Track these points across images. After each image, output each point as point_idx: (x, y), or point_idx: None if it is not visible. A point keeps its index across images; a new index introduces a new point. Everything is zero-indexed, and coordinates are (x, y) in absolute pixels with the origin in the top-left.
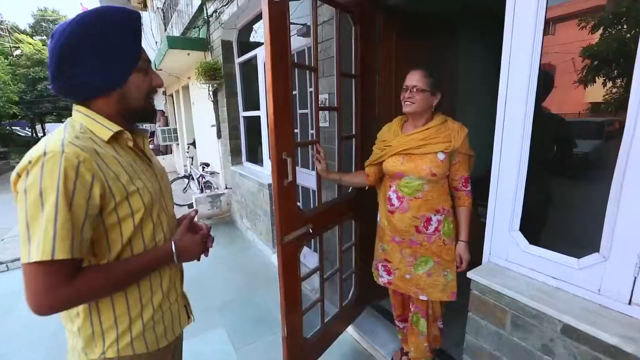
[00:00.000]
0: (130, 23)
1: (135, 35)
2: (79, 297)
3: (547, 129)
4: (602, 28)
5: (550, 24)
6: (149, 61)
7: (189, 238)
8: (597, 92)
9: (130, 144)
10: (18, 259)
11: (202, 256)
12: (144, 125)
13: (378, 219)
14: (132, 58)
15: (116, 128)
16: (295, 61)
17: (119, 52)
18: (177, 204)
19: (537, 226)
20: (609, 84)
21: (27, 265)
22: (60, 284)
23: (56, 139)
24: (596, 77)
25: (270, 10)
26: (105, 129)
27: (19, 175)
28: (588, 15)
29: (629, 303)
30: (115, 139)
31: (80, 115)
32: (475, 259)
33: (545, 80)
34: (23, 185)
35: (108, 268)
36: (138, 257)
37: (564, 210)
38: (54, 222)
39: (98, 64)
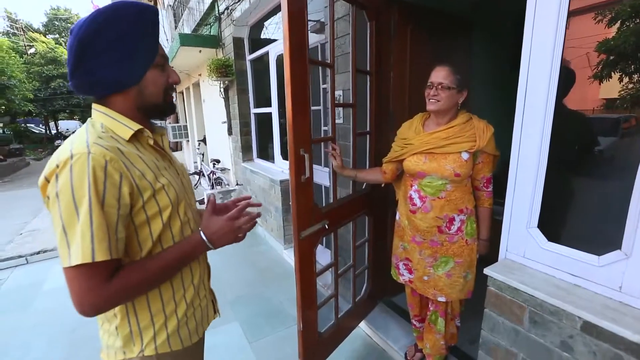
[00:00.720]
0: (147, 18)
1: (153, 30)
2: (121, 296)
3: (567, 125)
4: (619, 21)
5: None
6: (166, 57)
7: (216, 221)
8: (612, 87)
9: (151, 142)
10: (37, 252)
11: (214, 250)
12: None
13: (397, 217)
14: (149, 53)
15: (136, 127)
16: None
17: (136, 47)
18: None
19: (555, 223)
20: (625, 79)
21: (69, 269)
22: (102, 284)
23: (80, 140)
24: (612, 72)
25: (289, 6)
26: (126, 127)
27: (47, 180)
28: (605, 9)
29: None
30: (135, 137)
31: (100, 115)
32: (492, 256)
33: (567, 76)
34: (54, 190)
35: (143, 264)
36: (170, 250)
37: (580, 207)
38: (89, 224)
39: (115, 58)
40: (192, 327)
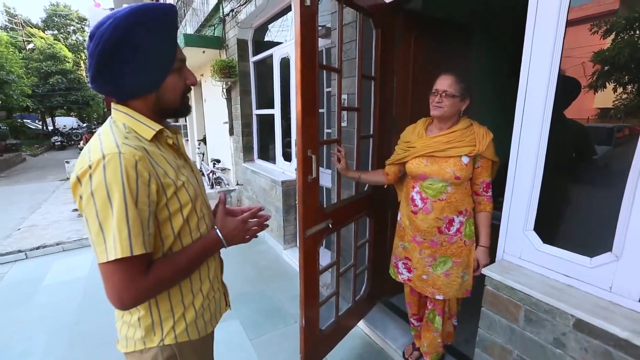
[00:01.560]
0: (167, 22)
1: (172, 34)
2: (155, 288)
3: (566, 134)
4: (614, 33)
5: None
6: (184, 59)
7: (231, 222)
8: (606, 97)
9: (170, 141)
10: (37, 248)
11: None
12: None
13: (398, 218)
14: (168, 60)
15: (157, 127)
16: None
17: (156, 56)
18: None
19: (550, 226)
20: (619, 90)
21: (107, 264)
22: (138, 277)
23: (109, 140)
24: (606, 83)
25: (301, 13)
26: (148, 128)
27: (79, 181)
28: (600, 20)
29: None
30: (155, 137)
31: (121, 115)
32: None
33: (571, 86)
34: (88, 189)
35: (172, 258)
36: (193, 246)
37: (574, 212)
38: (125, 220)
39: (136, 68)
40: (207, 318)
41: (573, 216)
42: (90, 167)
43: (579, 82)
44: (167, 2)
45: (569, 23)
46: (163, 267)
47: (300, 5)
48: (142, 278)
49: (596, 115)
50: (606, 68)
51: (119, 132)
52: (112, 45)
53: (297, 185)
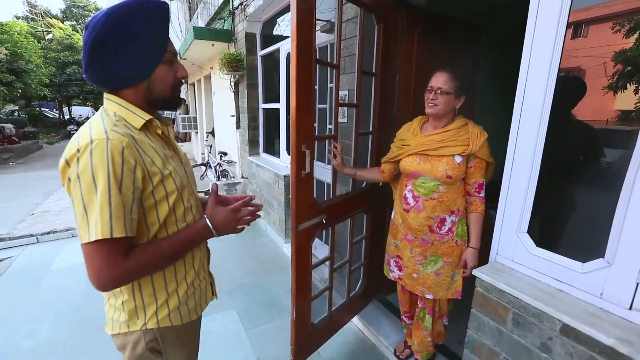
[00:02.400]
0: (158, 16)
1: (163, 28)
2: (135, 271)
3: (573, 135)
4: (638, 32)
5: (582, 26)
6: (175, 53)
7: (220, 211)
8: (628, 99)
9: (159, 131)
10: (47, 233)
11: (217, 239)
12: (166, 112)
13: (392, 216)
14: (158, 51)
15: (147, 117)
16: (317, 57)
17: (146, 46)
18: None
19: (545, 229)
20: None
21: (89, 245)
22: (118, 259)
23: (98, 127)
24: (628, 84)
25: (298, 7)
26: (137, 117)
27: (68, 163)
28: (624, 18)
29: (630, 308)
30: (145, 126)
31: (112, 104)
32: (482, 259)
33: (576, 86)
34: (75, 172)
35: (155, 244)
36: (178, 234)
37: (570, 216)
38: (108, 204)
39: (127, 56)
40: (191, 305)
41: (569, 220)
42: (78, 150)
43: (583, 82)
44: None
45: (594, 20)
46: (145, 252)
47: (297, 1)
48: (121, 260)
49: (616, 117)
50: (628, 69)
51: (108, 120)
52: (104, 34)
53: (291, 179)
